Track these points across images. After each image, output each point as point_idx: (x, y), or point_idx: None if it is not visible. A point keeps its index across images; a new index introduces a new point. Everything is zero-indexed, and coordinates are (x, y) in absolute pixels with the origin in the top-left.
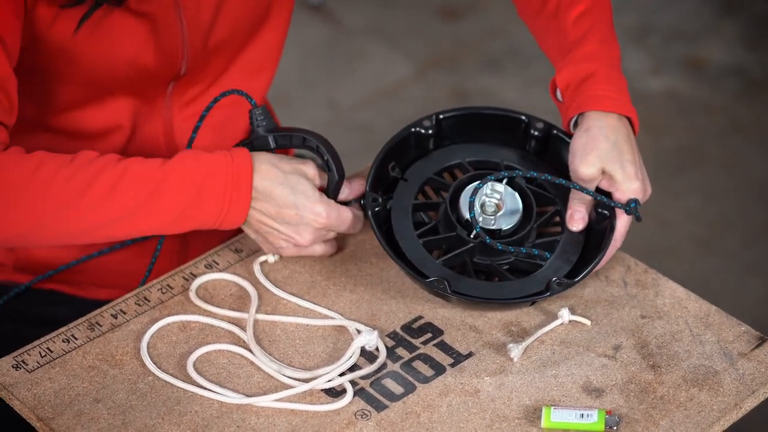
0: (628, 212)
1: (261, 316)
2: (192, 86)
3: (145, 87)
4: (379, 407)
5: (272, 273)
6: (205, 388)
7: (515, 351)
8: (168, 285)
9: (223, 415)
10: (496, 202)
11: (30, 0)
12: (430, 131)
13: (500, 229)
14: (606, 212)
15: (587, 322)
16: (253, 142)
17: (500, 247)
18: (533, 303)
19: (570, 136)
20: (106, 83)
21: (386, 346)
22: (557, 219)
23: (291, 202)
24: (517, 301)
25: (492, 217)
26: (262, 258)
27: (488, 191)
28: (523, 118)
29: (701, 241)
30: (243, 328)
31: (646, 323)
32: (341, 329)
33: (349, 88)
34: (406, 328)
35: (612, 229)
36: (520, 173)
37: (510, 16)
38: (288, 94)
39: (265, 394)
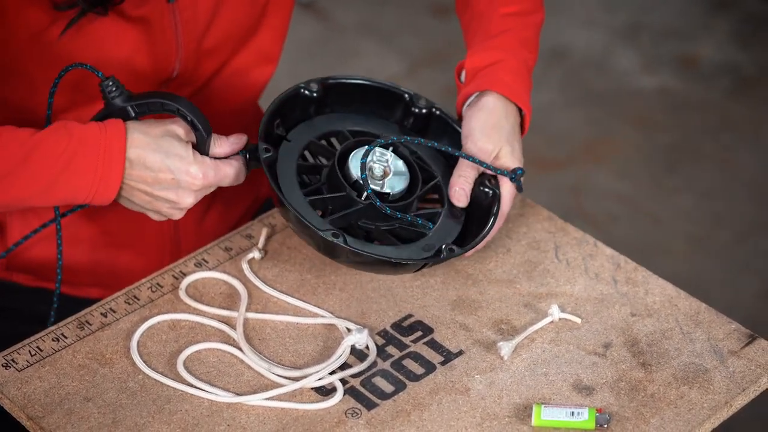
0: (512, 179)
1: (251, 315)
2: (184, 87)
3: (136, 88)
4: (370, 406)
5: (262, 271)
6: (196, 387)
7: (505, 349)
8: (158, 283)
9: (213, 414)
10: (384, 166)
11: (15, 4)
12: (315, 94)
13: (388, 193)
14: (488, 190)
15: (577, 320)
16: (110, 116)
17: (388, 211)
18: (423, 267)
19: (455, 119)
20: (97, 86)
21: (376, 345)
22: (435, 196)
23: (165, 167)
24: (412, 263)
25: (380, 182)
26: (249, 255)
27: (377, 155)
28: (406, 95)
29: (694, 238)
30: (233, 327)
31: (637, 321)
32: (331, 327)
33: None
34: (396, 326)
35: (498, 202)
36: (410, 139)
37: None
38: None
39: (255, 392)
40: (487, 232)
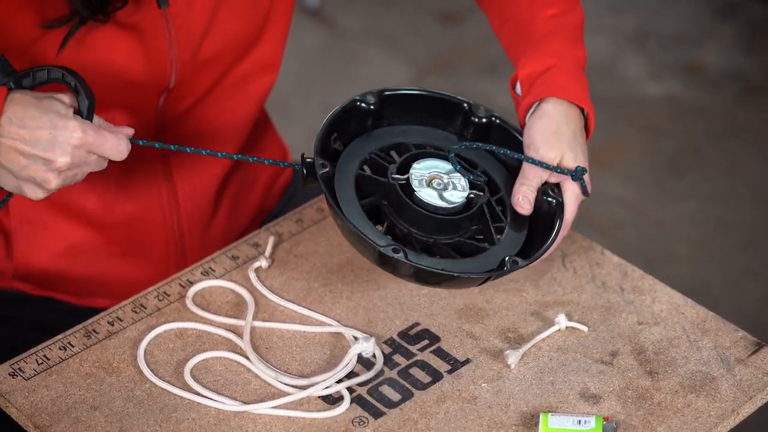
0: (573, 177)
1: (258, 323)
2: (183, 99)
3: (135, 99)
4: (377, 414)
5: (269, 280)
6: (203, 396)
7: (512, 357)
8: (164, 292)
9: (220, 423)
10: (446, 179)
11: (4, 15)
12: (372, 107)
13: (450, 206)
14: (551, 199)
15: (584, 328)
16: None
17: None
18: (486, 281)
19: (515, 128)
20: (95, 94)
21: (383, 353)
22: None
23: (44, 122)
24: (474, 276)
25: (442, 192)
26: (256, 264)
27: (438, 168)
28: (465, 105)
29: (699, 245)
30: (240, 335)
31: (643, 329)
32: (338, 336)
33: (346, 93)
34: (403, 334)
35: (562, 211)
36: (481, 145)
37: None
38: (285, 99)
39: (262, 401)
40: (551, 243)
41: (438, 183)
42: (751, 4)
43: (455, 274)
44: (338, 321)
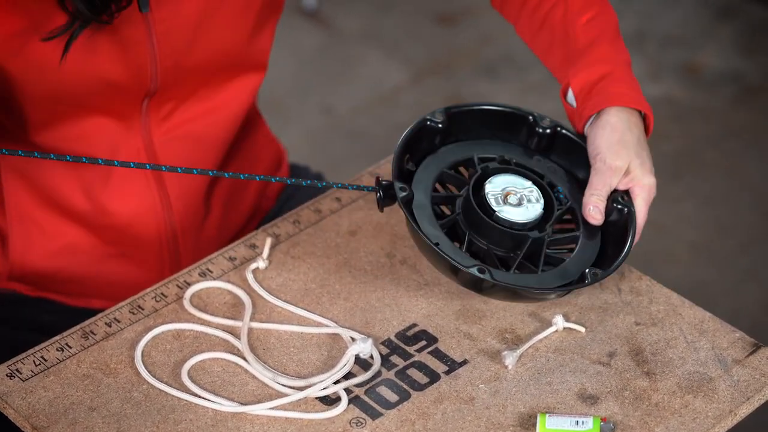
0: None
1: (255, 324)
2: (167, 102)
3: (118, 103)
4: (374, 415)
5: (266, 281)
6: (200, 397)
7: (510, 358)
8: (162, 293)
9: (218, 424)
10: (520, 193)
11: None
12: (440, 125)
13: (525, 222)
14: (621, 207)
15: (582, 329)
16: None
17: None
18: (567, 294)
19: (579, 135)
20: (76, 97)
21: (381, 354)
22: (569, 216)
23: None
24: (558, 291)
25: (516, 208)
26: (253, 265)
27: (510, 183)
28: (530, 117)
29: (698, 247)
30: (237, 336)
31: (641, 330)
32: (335, 337)
33: (344, 95)
34: (401, 335)
35: (633, 217)
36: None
37: (505, 23)
38: (283, 101)
39: (259, 402)
40: (628, 251)
41: (514, 198)
42: (749, 5)
43: (537, 290)
44: (335, 322)
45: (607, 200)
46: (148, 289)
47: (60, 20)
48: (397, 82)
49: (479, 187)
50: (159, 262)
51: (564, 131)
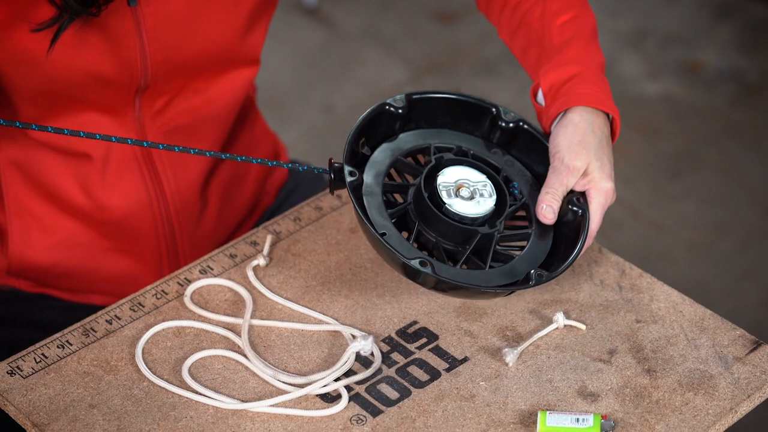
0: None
1: (256, 322)
2: (160, 97)
3: (110, 98)
4: (375, 412)
5: (267, 278)
6: (201, 394)
7: (510, 356)
8: (162, 290)
9: (218, 421)
10: (472, 187)
11: None
12: (400, 111)
13: (477, 217)
14: (577, 209)
15: (582, 326)
16: None
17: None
18: (512, 293)
19: (542, 134)
20: (67, 92)
21: (381, 351)
22: (523, 213)
23: None
24: (499, 290)
25: (468, 202)
26: (254, 262)
27: (464, 175)
28: (494, 109)
29: (696, 246)
30: (238, 334)
31: (641, 327)
32: (336, 334)
33: (344, 93)
34: (401, 332)
35: (587, 220)
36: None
37: None
38: (283, 99)
39: (260, 399)
40: (576, 256)
41: (466, 192)
42: (749, 4)
43: (483, 289)
44: (336, 319)
45: (564, 201)
46: (149, 287)
47: (45, 11)
48: (397, 80)
49: (432, 178)
50: (157, 256)
51: (526, 127)
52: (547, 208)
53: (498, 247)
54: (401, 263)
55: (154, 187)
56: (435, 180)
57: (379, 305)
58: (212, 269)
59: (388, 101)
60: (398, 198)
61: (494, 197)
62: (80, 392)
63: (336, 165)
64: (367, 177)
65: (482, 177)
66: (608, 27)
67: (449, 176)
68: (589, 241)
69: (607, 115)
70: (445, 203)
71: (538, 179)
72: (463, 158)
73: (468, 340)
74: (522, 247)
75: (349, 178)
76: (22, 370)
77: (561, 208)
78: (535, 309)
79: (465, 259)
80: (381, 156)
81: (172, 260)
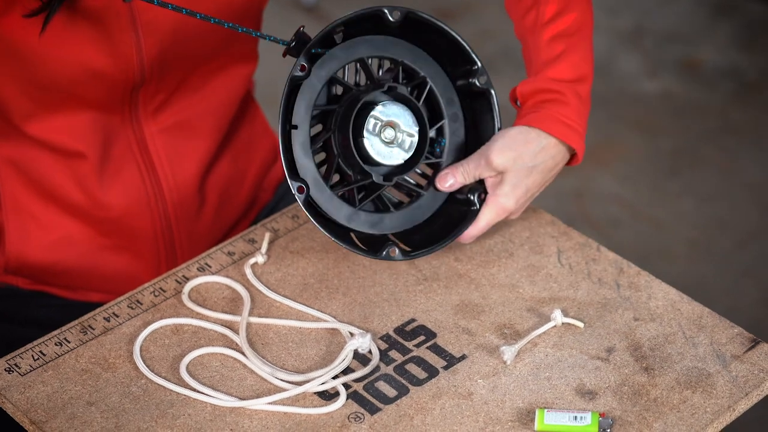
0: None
1: (254, 319)
2: (157, 93)
3: (106, 94)
4: (373, 410)
5: (265, 275)
6: (198, 391)
7: (508, 353)
8: (160, 288)
9: (216, 418)
10: (395, 132)
11: None
12: (393, 20)
13: (381, 164)
14: (473, 200)
15: (580, 324)
16: None
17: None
18: (355, 248)
19: (498, 114)
20: (61, 87)
21: (379, 349)
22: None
23: None
24: (343, 245)
25: (384, 145)
26: (252, 260)
27: (396, 111)
28: (476, 66)
29: (695, 243)
30: (236, 331)
31: (639, 325)
32: (334, 332)
33: None
34: (399, 330)
35: (471, 219)
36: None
37: (504, 18)
38: (280, 96)
39: (258, 397)
40: (438, 247)
41: (389, 134)
42: (748, 1)
43: (329, 237)
44: (334, 317)
45: (466, 186)
46: (147, 284)
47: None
48: None
49: (372, 101)
50: (155, 253)
51: (494, 98)
52: (449, 176)
53: (386, 193)
54: (283, 171)
55: (152, 184)
56: (373, 107)
57: (377, 303)
58: (210, 267)
59: (385, 8)
60: (339, 91)
61: (410, 154)
62: (78, 390)
63: (301, 34)
64: (323, 63)
65: (414, 129)
66: (607, 25)
67: (387, 111)
68: (464, 240)
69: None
70: (363, 136)
71: (468, 148)
72: (411, 98)
73: (466, 338)
74: (402, 203)
75: (295, 72)
76: (20, 368)
77: (460, 189)
78: (533, 307)
79: (347, 189)
80: (350, 47)
81: (170, 257)
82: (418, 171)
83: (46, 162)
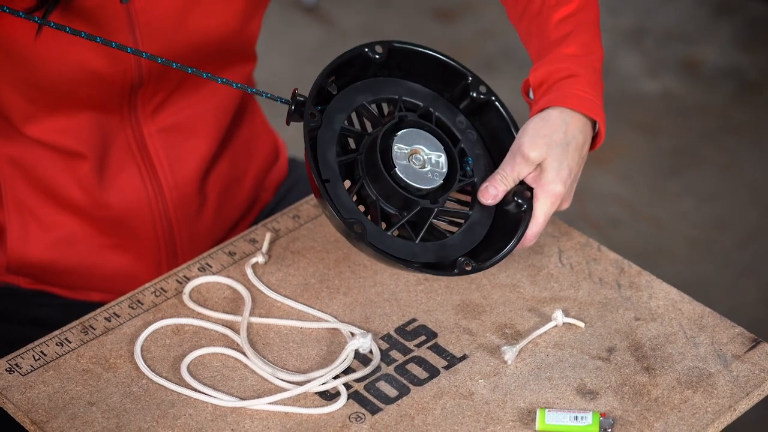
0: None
1: (254, 319)
2: (155, 94)
3: (104, 94)
4: (374, 410)
5: (265, 276)
6: (199, 392)
7: (509, 353)
8: (161, 288)
9: (217, 419)
10: (425, 156)
11: None
12: (378, 57)
13: (421, 189)
14: (522, 202)
15: (581, 324)
16: None
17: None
18: (440, 272)
19: (511, 117)
20: (60, 87)
21: (380, 349)
22: (469, 189)
23: None
24: (423, 271)
25: (417, 170)
26: (253, 260)
27: (421, 140)
28: (469, 78)
29: (696, 243)
30: (237, 331)
31: (640, 325)
32: (335, 332)
33: None
34: (400, 330)
35: (527, 221)
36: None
37: (504, 18)
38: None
39: (259, 397)
40: (507, 253)
41: (418, 160)
42: (749, 2)
43: (407, 267)
44: (335, 317)
45: (510, 191)
46: (148, 284)
47: None
48: None
49: (389, 136)
50: (156, 253)
51: (498, 104)
52: (490, 188)
53: (436, 220)
54: (337, 220)
55: (152, 184)
56: (392, 139)
57: (378, 303)
58: (211, 267)
59: (366, 47)
60: (352, 144)
61: (445, 171)
62: (79, 390)
63: (299, 98)
64: (328, 115)
65: (438, 148)
66: (608, 24)
67: (407, 139)
68: (528, 242)
69: (593, 121)
70: (395, 166)
71: (494, 161)
72: (425, 123)
73: (467, 338)
74: (459, 225)
75: (309, 123)
76: (20, 368)
77: (506, 196)
78: (533, 307)
79: (401, 227)
80: (347, 97)
81: (171, 257)
82: (456, 200)
83: (47, 162)
